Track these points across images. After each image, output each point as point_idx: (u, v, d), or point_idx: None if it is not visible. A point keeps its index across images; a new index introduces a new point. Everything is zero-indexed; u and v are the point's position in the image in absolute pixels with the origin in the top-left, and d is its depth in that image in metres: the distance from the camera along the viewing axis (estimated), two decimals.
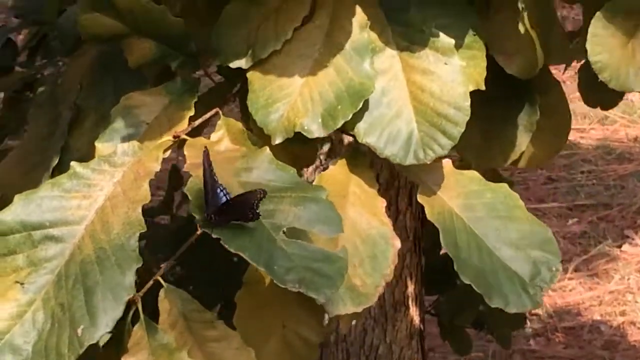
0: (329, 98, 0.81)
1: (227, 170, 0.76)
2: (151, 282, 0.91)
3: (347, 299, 0.76)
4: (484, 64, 0.86)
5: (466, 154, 1.02)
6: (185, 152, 0.80)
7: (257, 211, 0.71)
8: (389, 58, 0.84)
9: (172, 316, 0.83)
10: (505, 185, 0.86)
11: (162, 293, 0.85)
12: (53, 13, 1.27)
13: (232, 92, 0.97)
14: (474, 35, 0.87)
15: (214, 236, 0.70)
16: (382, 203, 0.82)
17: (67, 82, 1.09)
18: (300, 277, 0.67)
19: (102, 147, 0.85)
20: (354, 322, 1.18)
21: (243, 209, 0.71)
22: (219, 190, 0.73)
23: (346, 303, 0.76)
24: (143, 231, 0.71)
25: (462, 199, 0.84)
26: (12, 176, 1.00)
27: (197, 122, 0.87)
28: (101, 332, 0.67)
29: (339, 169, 0.85)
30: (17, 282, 0.69)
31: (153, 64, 0.93)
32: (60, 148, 1.00)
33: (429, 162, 0.80)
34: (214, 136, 0.86)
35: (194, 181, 0.74)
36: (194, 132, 0.88)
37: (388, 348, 1.24)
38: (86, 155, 0.86)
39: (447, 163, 0.86)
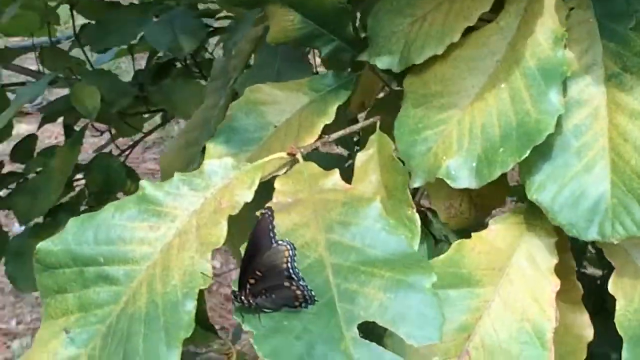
0: (492, 135, 0.58)
1: (321, 221, 0.55)
2: None
3: None
4: None
5: None
6: (276, 185, 0.60)
7: (295, 270, 0.49)
8: (591, 86, 0.58)
9: None
10: None
11: None
12: None
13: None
14: None
15: (245, 329, 0.48)
16: (553, 286, 0.57)
17: (239, 55, 0.93)
18: None
19: (213, 149, 0.68)
20: None
21: (278, 276, 0.49)
22: None
23: None
24: (204, 287, 0.52)
25: None
26: (174, 165, 0.87)
27: (334, 135, 0.67)
28: None
29: (505, 229, 0.60)
30: (64, 329, 0.54)
31: (296, 43, 0.72)
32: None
33: (615, 243, 0.55)
34: (360, 155, 0.65)
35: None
36: None
37: None
38: None
39: None
